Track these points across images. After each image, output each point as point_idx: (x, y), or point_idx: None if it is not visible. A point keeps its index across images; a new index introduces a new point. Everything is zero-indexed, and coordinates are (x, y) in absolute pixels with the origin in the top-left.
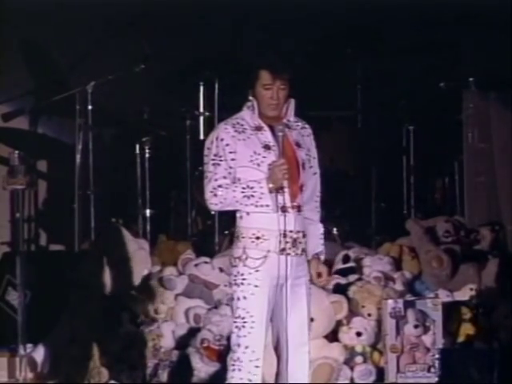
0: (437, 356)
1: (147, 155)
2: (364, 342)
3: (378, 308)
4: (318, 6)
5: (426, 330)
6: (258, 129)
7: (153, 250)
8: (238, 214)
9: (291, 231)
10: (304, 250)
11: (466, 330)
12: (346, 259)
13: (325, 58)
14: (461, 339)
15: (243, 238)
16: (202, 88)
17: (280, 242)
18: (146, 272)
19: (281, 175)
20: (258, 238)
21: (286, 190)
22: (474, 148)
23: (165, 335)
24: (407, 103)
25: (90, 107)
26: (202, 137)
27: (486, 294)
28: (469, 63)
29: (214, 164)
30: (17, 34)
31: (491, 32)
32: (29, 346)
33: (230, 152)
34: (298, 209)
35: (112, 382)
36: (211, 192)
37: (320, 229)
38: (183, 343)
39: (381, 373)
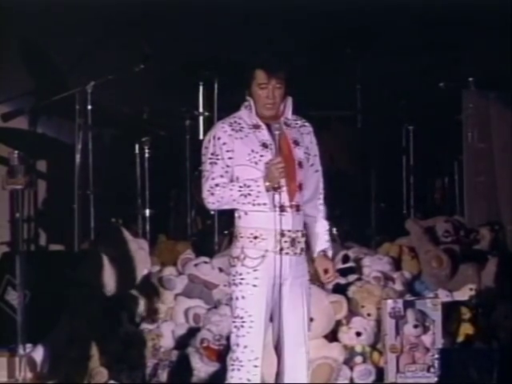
0: (436, 356)
1: (147, 155)
2: (363, 342)
3: (378, 308)
4: (317, 7)
5: (426, 329)
6: (256, 127)
7: (152, 249)
8: (236, 214)
9: (289, 230)
10: (303, 250)
11: (466, 329)
12: (346, 259)
13: (325, 58)
14: (460, 339)
15: (241, 237)
16: (201, 88)
17: (278, 241)
18: (145, 272)
19: (277, 173)
20: (255, 237)
21: (284, 188)
22: (473, 148)
23: (164, 335)
24: (407, 103)
25: (89, 107)
26: (201, 137)
27: (486, 293)
28: (468, 63)
29: (211, 163)
30: (17, 34)
31: (491, 32)
32: (28, 345)
33: (228, 151)
34: (297, 208)
35: (111, 381)
36: (208, 191)
37: (325, 226)
38: (183, 343)
39: (380, 373)
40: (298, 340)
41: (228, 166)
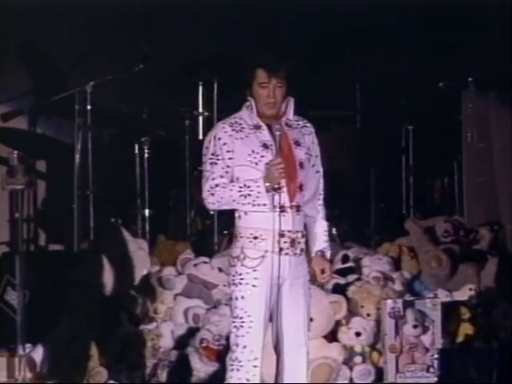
0: (436, 356)
1: (146, 155)
2: (363, 342)
3: (377, 308)
4: (317, 6)
5: (425, 329)
6: (257, 127)
7: (152, 249)
8: (236, 214)
9: (289, 231)
10: (303, 250)
11: (465, 329)
12: (345, 259)
13: (324, 58)
14: (460, 339)
15: (241, 237)
16: (200, 88)
17: (278, 241)
18: (145, 272)
19: (277, 174)
20: (255, 237)
21: (284, 189)
22: (473, 148)
23: (164, 335)
24: (407, 103)
25: (89, 107)
26: (201, 137)
27: (485, 293)
28: (468, 63)
29: (211, 163)
30: (17, 33)
31: (491, 32)
32: (28, 345)
33: (228, 151)
34: (297, 208)
35: (111, 382)
36: (208, 191)
37: (324, 226)
38: (182, 343)
39: (380, 373)
40: (298, 340)
41: (228, 167)
